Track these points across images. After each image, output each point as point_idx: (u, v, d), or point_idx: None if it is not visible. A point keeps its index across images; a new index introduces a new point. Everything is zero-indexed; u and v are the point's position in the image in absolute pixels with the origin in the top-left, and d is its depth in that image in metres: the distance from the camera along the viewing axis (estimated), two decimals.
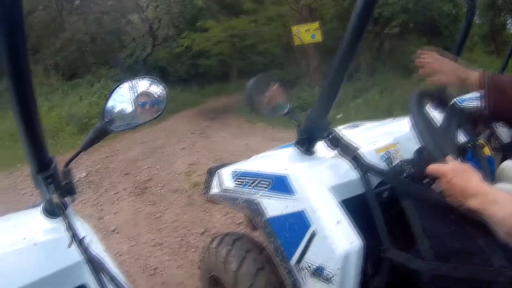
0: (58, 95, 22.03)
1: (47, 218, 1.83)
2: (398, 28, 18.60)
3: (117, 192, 9.19)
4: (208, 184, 3.32)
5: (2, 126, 17.97)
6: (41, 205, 1.89)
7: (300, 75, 20.42)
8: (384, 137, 2.85)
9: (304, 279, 2.35)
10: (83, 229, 1.76)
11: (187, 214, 7.35)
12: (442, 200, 1.94)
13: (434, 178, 2.02)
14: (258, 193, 2.60)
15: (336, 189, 2.31)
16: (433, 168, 1.95)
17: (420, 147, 2.41)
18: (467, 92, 4.16)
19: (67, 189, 1.79)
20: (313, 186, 2.31)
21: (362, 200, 2.30)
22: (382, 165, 2.52)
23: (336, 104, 2.30)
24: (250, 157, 3.45)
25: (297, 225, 2.31)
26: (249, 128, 15.03)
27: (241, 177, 2.86)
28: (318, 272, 2.25)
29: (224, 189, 3.02)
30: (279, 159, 2.76)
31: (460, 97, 4.17)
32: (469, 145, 2.68)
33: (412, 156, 2.49)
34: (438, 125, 2.60)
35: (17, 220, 2.11)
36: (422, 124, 2.30)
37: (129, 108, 1.89)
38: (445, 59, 2.76)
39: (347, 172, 2.37)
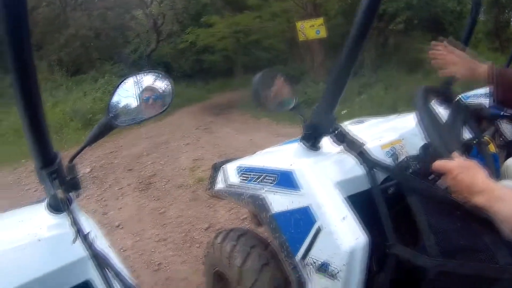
0: (62, 91, 22.04)
1: (51, 213, 1.83)
2: (403, 24, 18.60)
3: (121, 188, 9.20)
4: (213, 180, 3.32)
5: (6, 122, 18.02)
6: (45, 201, 1.88)
7: (305, 71, 20.39)
8: (389, 133, 2.84)
9: (309, 275, 2.34)
10: (87, 224, 1.75)
11: (191, 209, 7.35)
12: (448, 197, 1.94)
13: (440, 175, 2.01)
14: (263, 189, 2.59)
15: (341, 185, 2.31)
16: (439, 164, 1.94)
17: (425, 143, 2.39)
18: (475, 85, 4.16)
19: (72, 185, 1.79)
20: (319, 181, 2.31)
21: (366, 196, 2.30)
22: (387, 161, 2.51)
23: (341, 100, 2.29)
24: (255, 152, 3.44)
25: (302, 221, 2.31)
26: (254, 123, 15.01)
27: (246, 173, 2.85)
28: (323, 268, 2.24)
29: (229, 185, 3.01)
30: (285, 154, 2.76)
31: (465, 94, 4.17)
32: (474, 141, 2.67)
33: (417, 152, 2.48)
34: (444, 121, 2.60)
35: (21, 215, 2.10)
36: (428, 120, 2.29)
37: (134, 103, 1.89)
38: (457, 51, 2.78)
39: (353, 167, 2.36)
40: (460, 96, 3.16)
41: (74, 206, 1.76)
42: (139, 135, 14.38)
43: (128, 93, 1.89)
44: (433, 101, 2.77)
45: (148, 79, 1.96)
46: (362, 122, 3.45)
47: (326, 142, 2.48)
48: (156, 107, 1.95)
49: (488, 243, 1.85)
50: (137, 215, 7.52)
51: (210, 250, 3.34)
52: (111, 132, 1.92)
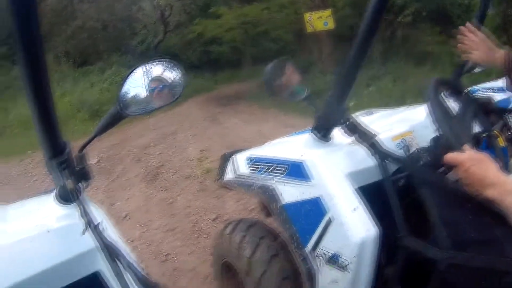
0: (69, 82, 22.03)
1: (61, 204, 1.81)
2: (411, 17, 18.53)
3: (129, 178, 9.22)
4: (222, 170, 3.32)
5: (11, 114, 18.06)
6: (54, 191, 1.87)
7: (313, 62, 20.36)
8: (399, 124, 2.83)
9: (319, 266, 2.34)
10: (98, 215, 1.74)
11: (199, 200, 7.34)
12: (460, 189, 1.92)
13: (451, 167, 2.00)
14: (274, 179, 2.59)
15: (352, 176, 2.30)
16: (451, 156, 1.93)
17: (436, 136, 2.38)
18: (484, 78, 4.14)
19: (82, 175, 1.78)
20: (330, 172, 2.30)
21: (376, 187, 2.29)
22: (398, 152, 2.49)
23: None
24: (263, 143, 3.44)
25: (313, 212, 2.30)
26: (262, 114, 14.97)
27: (256, 163, 2.85)
28: (333, 260, 2.24)
29: (239, 175, 3.01)
30: (295, 145, 2.75)
31: (473, 87, 4.16)
32: (484, 135, 2.66)
33: (428, 144, 2.47)
34: (454, 114, 2.58)
35: (29, 206, 2.10)
36: (440, 112, 2.27)
37: (143, 93, 1.87)
38: (482, 36, 2.81)
39: (364, 159, 2.36)
40: (468, 89, 3.14)
41: (84, 196, 1.75)
42: (147, 126, 14.39)
43: (137, 83, 1.88)
44: (443, 93, 2.76)
45: (157, 69, 1.95)
46: (371, 113, 3.44)
47: (337, 133, 2.47)
48: (165, 97, 1.94)
49: (499, 236, 1.85)
50: (145, 206, 7.54)
51: (219, 240, 3.35)
52: (119, 123, 1.91)
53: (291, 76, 2.67)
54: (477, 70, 3.59)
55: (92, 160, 10.18)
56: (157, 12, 32.16)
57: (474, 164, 1.83)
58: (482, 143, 2.60)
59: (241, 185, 2.98)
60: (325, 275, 2.33)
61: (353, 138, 2.37)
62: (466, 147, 1.99)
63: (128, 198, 8.03)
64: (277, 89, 2.65)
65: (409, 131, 2.70)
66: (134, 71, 1.88)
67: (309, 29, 17.97)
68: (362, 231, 2.12)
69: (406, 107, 3.52)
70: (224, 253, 3.30)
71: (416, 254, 2.08)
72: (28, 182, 9.93)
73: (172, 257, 5.60)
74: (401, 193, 2.22)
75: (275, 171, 2.61)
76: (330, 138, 2.50)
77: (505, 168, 2.66)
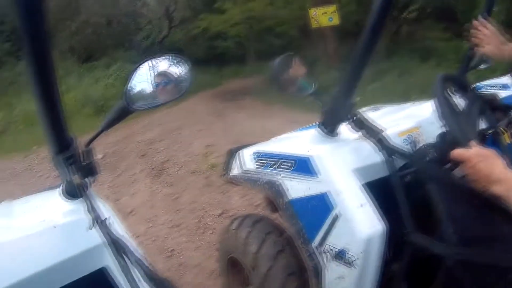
0: (74, 78, 21.99)
1: (67, 199, 1.81)
2: (416, 13, 18.52)
3: (134, 174, 9.23)
4: (228, 165, 3.32)
5: (16, 110, 18.08)
6: (61, 187, 1.87)
7: (318, 58, 20.29)
8: (406, 120, 2.83)
9: (325, 262, 2.35)
10: (105, 210, 1.73)
11: (204, 195, 7.34)
12: (467, 185, 1.92)
13: (457, 163, 2.00)
14: (280, 175, 2.59)
15: (359, 172, 2.30)
16: (458, 152, 1.93)
17: (443, 132, 2.38)
18: (489, 74, 4.14)
19: (88, 170, 1.77)
20: (337, 168, 2.30)
21: (382, 183, 2.29)
22: (405, 148, 2.49)
23: None
24: (269, 139, 3.43)
25: (319, 208, 2.30)
26: (267, 110, 14.94)
27: (263, 158, 2.84)
28: (340, 256, 2.25)
29: (245, 170, 3.01)
30: (302, 140, 2.74)
31: (478, 84, 4.16)
32: (490, 131, 2.65)
33: (434, 140, 2.47)
34: (460, 110, 2.58)
35: (35, 202, 2.10)
36: (447, 108, 2.27)
37: (150, 87, 1.87)
38: (493, 30, 2.83)
39: (371, 154, 2.35)
40: (473, 85, 3.14)
41: (90, 191, 1.75)
42: (152, 121, 14.38)
43: (143, 78, 1.87)
44: (449, 90, 2.76)
45: (163, 64, 1.94)
46: (378, 109, 3.44)
47: (344, 129, 2.46)
48: (170, 92, 1.94)
49: (506, 232, 1.85)
50: (150, 201, 7.54)
51: (225, 236, 3.35)
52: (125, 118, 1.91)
53: (298, 70, 2.67)
54: (482, 66, 3.59)
55: (97, 155, 10.01)
56: (162, 7, 32.14)
57: (481, 160, 1.83)
58: (488, 140, 2.59)
59: (247, 180, 2.98)
60: (332, 271, 2.34)
61: (360, 133, 2.37)
62: (473, 143, 1.99)
63: (133, 194, 8.04)
64: (284, 84, 2.65)
65: (415, 127, 2.70)
66: (140, 66, 1.88)
67: (314, 24, 17.93)
68: (369, 227, 2.13)
69: (412, 103, 3.51)
70: (230, 249, 3.31)
71: (422, 250, 2.08)
72: (33, 178, 9.96)
73: (178, 253, 5.60)
74: (407, 189, 2.21)
75: (281, 166, 2.61)
76: (337, 134, 2.50)
77: (511, 164, 2.66)
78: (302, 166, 2.44)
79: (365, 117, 2.38)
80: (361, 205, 2.16)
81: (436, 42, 17.13)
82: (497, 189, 1.72)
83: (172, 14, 32.05)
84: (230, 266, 3.46)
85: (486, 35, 2.79)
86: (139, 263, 1.34)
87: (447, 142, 2.28)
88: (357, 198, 2.19)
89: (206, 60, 29.30)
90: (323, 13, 17.46)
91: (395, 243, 2.21)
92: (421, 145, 2.54)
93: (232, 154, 3.29)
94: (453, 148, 1.97)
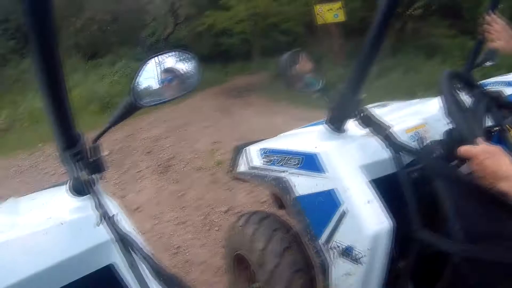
0: (80, 75, 21.93)
1: (74, 196, 1.81)
2: (421, 9, 18.50)
3: (140, 171, 9.24)
4: (234, 162, 3.32)
5: (21, 107, 18.10)
6: (68, 183, 1.87)
7: (323, 55, 20.27)
8: (412, 117, 2.83)
9: (332, 259, 2.35)
10: (112, 207, 1.73)
11: (210, 192, 7.36)
12: (474, 182, 1.91)
13: (464, 160, 2.00)
14: (287, 171, 2.60)
15: (366, 168, 2.30)
16: (465, 149, 1.93)
17: (449, 128, 2.37)
18: (495, 72, 4.15)
19: (96, 166, 1.77)
20: (344, 164, 2.30)
21: (388, 180, 2.29)
22: (412, 145, 2.48)
23: None
24: (275, 135, 3.43)
25: (326, 204, 2.31)
26: (273, 107, 14.92)
27: (270, 155, 2.85)
28: (346, 252, 2.25)
29: (252, 167, 3.01)
30: (309, 137, 2.74)
31: (484, 81, 4.15)
32: (496, 129, 2.65)
33: (441, 137, 2.46)
34: (467, 107, 2.58)
35: (42, 199, 2.10)
36: (453, 105, 2.26)
37: (158, 83, 1.87)
38: (504, 25, 2.87)
39: (378, 151, 2.35)
40: (479, 82, 3.14)
41: (98, 188, 1.74)
42: (158, 118, 14.37)
43: (151, 74, 1.87)
44: (455, 86, 2.76)
45: (171, 60, 1.94)
46: (384, 105, 3.44)
47: (351, 125, 2.46)
48: (178, 88, 1.94)
49: None
50: (156, 198, 7.56)
51: (232, 233, 3.36)
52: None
53: (305, 66, 2.66)
54: (488, 63, 3.59)
55: (103, 152, 10.02)
56: (167, 4, 32.13)
57: (488, 157, 1.83)
58: (494, 137, 2.59)
59: (254, 177, 2.98)
60: (339, 268, 2.34)
61: (367, 130, 2.36)
62: (480, 140, 1.99)
63: (139, 191, 8.06)
64: (292, 80, 2.64)
65: (422, 123, 2.70)
66: (148, 62, 1.88)
67: (319, 21, 17.92)
68: (376, 224, 2.13)
69: (419, 100, 3.51)
70: (236, 246, 3.31)
71: (430, 247, 2.07)
72: (39, 175, 9.97)
73: (184, 250, 5.62)
74: (414, 185, 2.21)
75: (288, 163, 2.62)
76: (344, 130, 2.49)
77: None
78: (309, 162, 2.44)
79: (372, 113, 2.37)
80: (368, 202, 2.16)
81: (441, 39, 17.11)
82: (504, 186, 1.72)
83: (177, 11, 32.03)
84: (236, 263, 3.47)
85: (497, 30, 2.81)
86: (147, 260, 1.34)
87: (453, 139, 2.27)
88: (364, 195, 2.19)
89: (211, 56, 29.27)
90: (328, 10, 17.45)
91: (401, 240, 2.21)
92: (428, 142, 2.53)
93: (238, 150, 3.30)
94: (460, 145, 1.97)
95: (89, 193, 1.65)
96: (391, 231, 2.13)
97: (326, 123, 2.52)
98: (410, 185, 2.18)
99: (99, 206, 1.56)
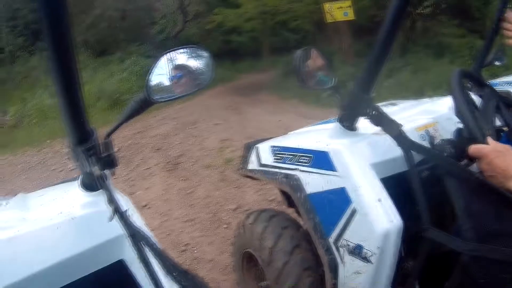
0: (89, 72, 22.04)
1: (85, 191, 1.81)
2: (430, 8, 18.47)
3: (149, 168, 9.27)
4: (245, 159, 3.32)
5: (29, 104, 18.19)
6: (79, 179, 1.86)
7: (333, 53, 20.24)
8: (423, 116, 2.83)
9: (342, 257, 2.36)
10: (124, 202, 1.73)
11: (219, 190, 7.38)
12: (485, 181, 1.92)
13: (474, 159, 2.03)
14: (299, 169, 2.60)
15: (377, 166, 2.30)
16: (475, 148, 1.96)
17: (459, 128, 2.37)
18: (504, 72, 4.15)
19: (107, 162, 1.76)
20: (356, 163, 2.30)
21: (398, 179, 2.29)
22: (422, 143, 2.47)
23: None
24: (284, 134, 3.44)
25: (337, 202, 2.31)
26: (282, 105, 14.96)
27: (281, 153, 2.85)
28: (356, 251, 2.25)
29: (263, 164, 3.02)
30: (320, 134, 2.74)
31: (492, 81, 4.15)
32: (505, 128, 2.64)
33: (451, 136, 2.46)
34: (477, 106, 2.57)
35: (51, 194, 2.09)
36: (464, 104, 2.26)
37: (171, 80, 1.87)
38: None
39: (389, 149, 2.34)
40: (488, 82, 3.14)
41: (109, 183, 1.74)
42: (167, 115, 14.43)
43: (162, 70, 1.87)
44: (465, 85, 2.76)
45: (182, 57, 1.94)
46: (395, 104, 3.44)
47: (362, 123, 2.45)
48: (188, 85, 1.93)
49: None
50: (165, 195, 7.58)
51: (241, 230, 3.36)
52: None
53: (316, 63, 2.66)
54: (497, 63, 3.59)
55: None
56: (176, 2, 32.12)
57: (498, 156, 1.85)
58: (502, 137, 2.59)
59: (265, 174, 2.99)
60: (348, 266, 2.34)
61: (378, 128, 2.35)
62: (490, 139, 1.99)
63: (147, 188, 8.08)
64: (305, 77, 2.64)
65: (432, 122, 2.69)
66: (161, 58, 1.88)
67: (329, 19, 17.90)
68: (386, 222, 2.12)
69: (429, 99, 3.51)
70: (245, 243, 3.31)
71: (439, 246, 2.07)
72: (47, 171, 10.03)
73: (192, 247, 5.63)
74: (424, 184, 2.21)
75: (299, 160, 2.62)
76: (356, 128, 2.49)
77: None
78: (321, 160, 2.44)
79: (384, 112, 2.37)
80: (379, 200, 2.16)
81: (450, 38, 17.09)
82: None
83: (187, 8, 32.03)
84: (244, 261, 3.47)
85: None
86: (160, 255, 1.34)
87: (463, 138, 2.27)
88: (375, 193, 2.19)
89: (221, 54, 29.29)
90: (338, 8, 17.45)
91: (410, 239, 2.21)
92: (438, 140, 2.53)
93: (249, 148, 3.30)
94: (470, 144, 2.00)
95: (101, 188, 1.65)
96: (400, 230, 2.13)
97: (337, 121, 2.51)
98: (421, 183, 2.18)
99: (111, 201, 1.56)
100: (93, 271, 1.58)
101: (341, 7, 17.39)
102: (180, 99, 1.98)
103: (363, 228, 2.20)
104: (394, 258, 2.17)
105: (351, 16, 17.40)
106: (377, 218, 2.14)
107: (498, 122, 2.64)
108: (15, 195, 2.13)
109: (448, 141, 2.42)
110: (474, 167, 2.10)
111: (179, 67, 1.91)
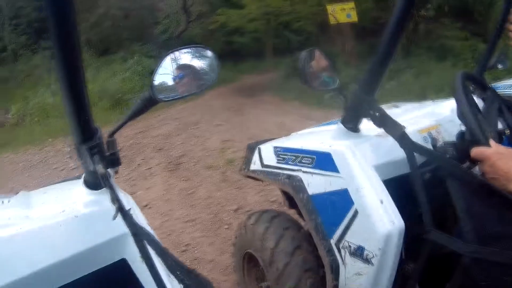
0: (91, 71, 22.00)
1: (88, 190, 1.81)
2: (433, 11, 18.46)
3: (150, 168, 9.27)
4: (247, 160, 3.32)
5: (32, 102, 18.20)
6: (82, 177, 1.87)
7: (336, 55, 20.24)
8: (425, 118, 2.84)
9: (343, 258, 2.36)
10: (127, 201, 1.74)
11: (220, 190, 7.37)
12: (487, 183, 1.92)
13: (476, 161, 2.03)
14: (301, 170, 2.61)
15: (380, 168, 2.31)
16: (477, 151, 1.96)
17: (461, 130, 2.37)
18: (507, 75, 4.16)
19: (111, 160, 1.77)
20: (358, 164, 2.30)
21: (400, 181, 2.29)
22: (425, 145, 2.48)
23: None
24: (287, 135, 3.44)
25: (339, 203, 2.31)
26: (284, 106, 14.94)
27: (283, 154, 2.85)
28: (358, 252, 2.26)
29: (265, 165, 3.02)
30: (323, 136, 2.74)
31: (494, 84, 4.16)
32: (507, 131, 2.65)
33: (453, 139, 2.46)
34: (480, 108, 2.58)
35: (54, 193, 2.10)
36: (466, 107, 2.26)
37: (176, 79, 1.88)
38: None
39: (392, 151, 2.34)
40: (491, 85, 3.15)
41: (113, 182, 1.75)
42: (169, 116, 14.43)
43: (167, 70, 1.87)
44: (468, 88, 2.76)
45: (186, 56, 1.95)
46: (397, 106, 3.44)
47: (365, 124, 2.45)
48: (191, 85, 1.94)
49: None
50: (166, 195, 7.58)
51: (242, 231, 3.36)
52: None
53: (320, 63, 2.66)
54: (499, 66, 3.60)
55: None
56: (179, 2, 32.12)
57: (500, 159, 1.86)
58: (504, 140, 2.59)
59: (267, 175, 2.99)
60: (349, 267, 2.35)
61: (381, 130, 2.35)
62: (492, 141, 2.00)
63: (149, 187, 8.08)
64: (310, 78, 2.64)
65: (435, 124, 2.69)
66: (166, 57, 1.88)
67: (332, 21, 17.89)
68: (388, 224, 2.13)
69: (431, 101, 3.51)
70: (246, 244, 3.31)
71: (440, 248, 2.07)
72: (49, 170, 10.04)
73: (192, 247, 5.63)
74: (426, 186, 2.21)
75: (302, 161, 2.62)
76: (359, 130, 2.49)
77: None
78: (323, 161, 2.44)
79: (387, 113, 2.37)
80: (381, 202, 2.16)
81: (453, 41, 17.06)
82: None
83: (190, 8, 32.00)
84: (245, 262, 3.47)
85: None
86: (164, 254, 1.35)
87: (466, 140, 2.27)
88: (377, 195, 2.19)
89: (223, 55, 29.19)
90: (341, 9, 17.43)
91: (411, 241, 2.21)
92: (441, 143, 2.53)
93: (251, 149, 3.30)
94: (473, 146, 2.00)
95: (104, 186, 1.65)
96: (402, 231, 2.13)
97: (340, 122, 2.52)
98: (423, 185, 2.18)
99: (115, 199, 1.56)
100: (95, 269, 1.58)
101: (344, 9, 17.39)
102: (183, 99, 1.98)
103: (364, 230, 2.20)
104: (395, 259, 2.17)
105: (354, 18, 17.39)
106: (379, 219, 2.14)
107: (500, 125, 2.65)
108: (17, 193, 2.13)
109: (451, 143, 2.42)
110: (476, 170, 2.10)
111: (181, 67, 1.92)
